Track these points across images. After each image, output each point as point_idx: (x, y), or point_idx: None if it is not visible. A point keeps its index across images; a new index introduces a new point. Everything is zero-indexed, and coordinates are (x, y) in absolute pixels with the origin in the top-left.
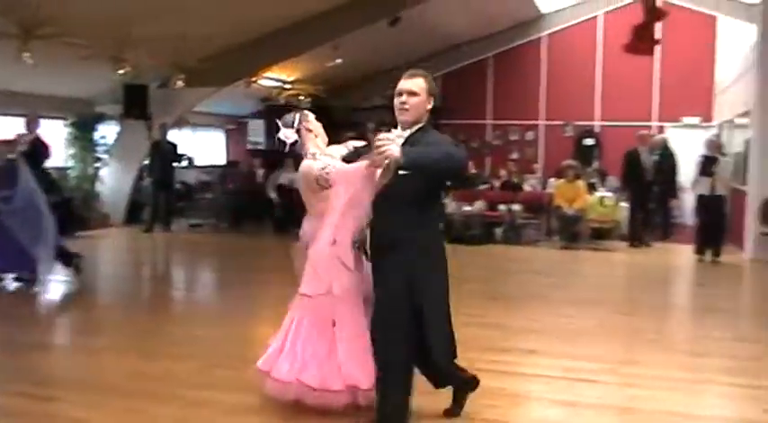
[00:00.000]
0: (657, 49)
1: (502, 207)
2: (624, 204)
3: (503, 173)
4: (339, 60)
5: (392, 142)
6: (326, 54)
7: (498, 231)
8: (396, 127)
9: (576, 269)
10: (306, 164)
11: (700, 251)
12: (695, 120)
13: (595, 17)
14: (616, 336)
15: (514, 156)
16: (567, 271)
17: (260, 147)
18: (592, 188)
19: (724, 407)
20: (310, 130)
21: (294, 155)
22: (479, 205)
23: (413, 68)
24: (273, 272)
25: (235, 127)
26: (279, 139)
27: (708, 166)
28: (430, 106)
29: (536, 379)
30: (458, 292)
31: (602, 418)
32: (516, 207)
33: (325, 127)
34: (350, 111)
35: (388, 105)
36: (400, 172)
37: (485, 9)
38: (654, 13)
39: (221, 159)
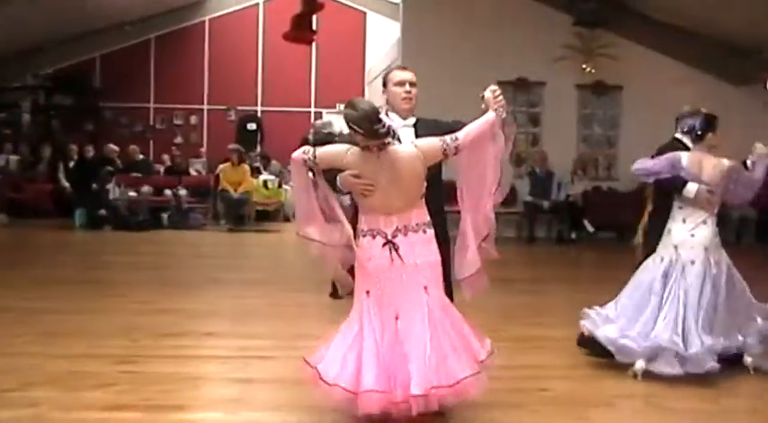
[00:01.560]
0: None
1: (168, 192)
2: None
3: (166, 157)
4: None
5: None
6: None
7: (165, 216)
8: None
9: (245, 251)
10: (413, 143)
11: None
12: None
13: (256, 5)
14: (286, 312)
15: (178, 140)
16: (236, 253)
17: None
18: (256, 172)
19: None
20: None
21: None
22: (145, 190)
23: (401, 64)
24: None
25: None
26: (389, 125)
27: None
28: None
29: (213, 360)
30: (128, 281)
31: (277, 392)
32: (182, 191)
33: None
34: None
35: (42, 86)
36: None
37: None
38: (310, 5)
39: None
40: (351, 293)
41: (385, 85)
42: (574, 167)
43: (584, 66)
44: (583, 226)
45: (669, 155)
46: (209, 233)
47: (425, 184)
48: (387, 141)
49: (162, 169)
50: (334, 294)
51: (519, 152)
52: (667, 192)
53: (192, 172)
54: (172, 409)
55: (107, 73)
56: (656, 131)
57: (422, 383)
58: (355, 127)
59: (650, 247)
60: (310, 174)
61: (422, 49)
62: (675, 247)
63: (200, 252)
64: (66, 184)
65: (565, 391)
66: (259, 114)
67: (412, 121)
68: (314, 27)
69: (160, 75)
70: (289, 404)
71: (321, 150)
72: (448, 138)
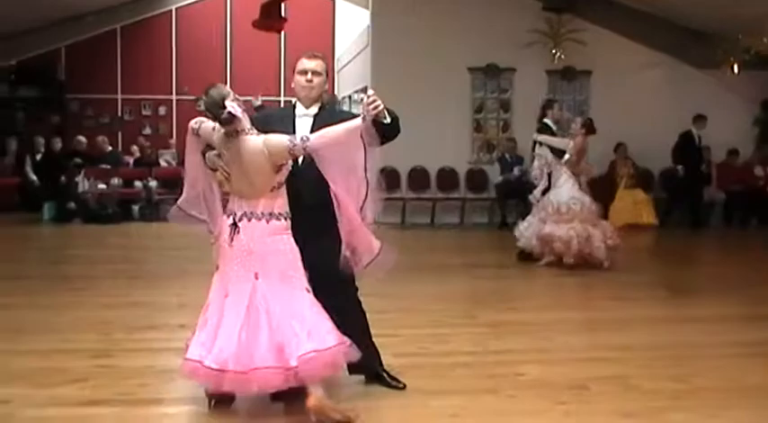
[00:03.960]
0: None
1: (138, 183)
2: None
3: (135, 148)
4: None
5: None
6: None
7: (135, 208)
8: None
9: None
10: (260, 138)
11: None
12: None
13: None
14: None
15: (147, 131)
16: (207, 244)
17: None
18: None
19: None
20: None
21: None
22: (114, 183)
23: (310, 50)
24: None
25: None
26: (230, 112)
27: None
28: (327, 86)
29: None
30: (98, 274)
31: None
32: (153, 183)
33: None
34: None
35: (6, 78)
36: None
37: None
38: None
39: None
40: None
41: (294, 72)
42: None
43: (553, 51)
44: None
45: None
46: (180, 225)
47: (276, 178)
48: (239, 129)
49: (131, 161)
50: None
51: (489, 138)
52: None
53: (162, 163)
54: (149, 402)
55: (72, 64)
56: (623, 115)
57: (213, 357)
58: (207, 112)
59: None
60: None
61: (391, 36)
62: None
63: (171, 244)
64: (34, 178)
65: (540, 374)
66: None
67: (314, 111)
68: (283, 14)
69: (127, 65)
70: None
71: (203, 123)
72: (298, 138)
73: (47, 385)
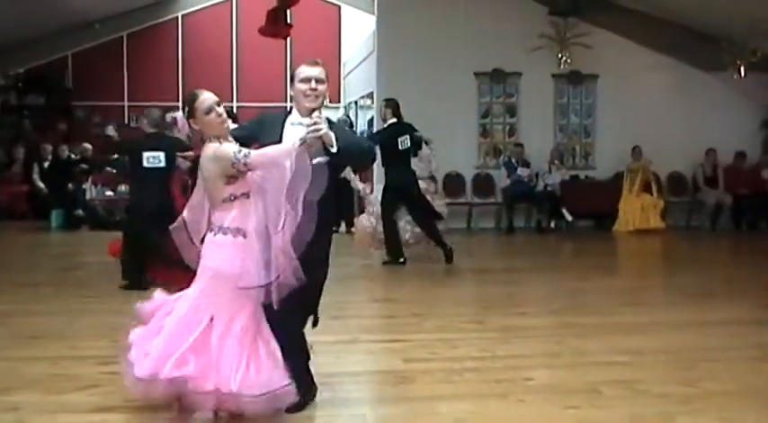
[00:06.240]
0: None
1: None
2: None
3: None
4: None
5: (324, 123)
6: None
7: None
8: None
9: None
10: (215, 146)
11: (335, 223)
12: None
13: (230, 0)
14: None
15: None
16: None
17: None
18: None
19: (369, 362)
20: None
21: None
22: (122, 190)
23: (311, 58)
24: None
25: None
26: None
27: None
28: (327, 94)
29: None
30: (107, 281)
31: None
32: None
33: None
34: None
35: (14, 86)
36: (324, 154)
37: None
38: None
39: None
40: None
41: (292, 80)
42: (551, 157)
43: (559, 55)
44: (561, 215)
45: None
46: None
47: (228, 189)
48: (212, 136)
49: None
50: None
51: (495, 143)
52: None
53: None
54: (159, 409)
55: (79, 72)
56: (631, 119)
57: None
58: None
59: None
60: None
61: (397, 41)
62: None
63: None
64: (42, 185)
65: (550, 379)
66: (235, 110)
67: (308, 120)
68: (289, 21)
69: (133, 72)
70: None
71: None
72: (241, 152)
73: (57, 392)
